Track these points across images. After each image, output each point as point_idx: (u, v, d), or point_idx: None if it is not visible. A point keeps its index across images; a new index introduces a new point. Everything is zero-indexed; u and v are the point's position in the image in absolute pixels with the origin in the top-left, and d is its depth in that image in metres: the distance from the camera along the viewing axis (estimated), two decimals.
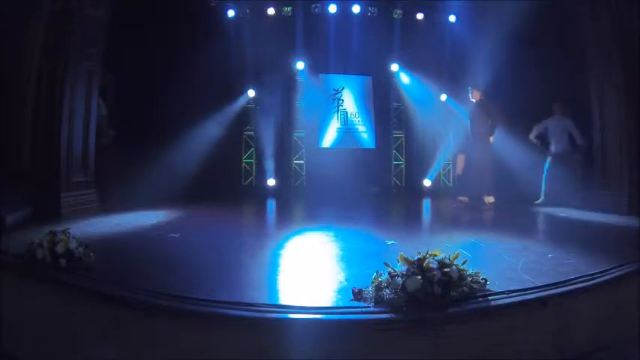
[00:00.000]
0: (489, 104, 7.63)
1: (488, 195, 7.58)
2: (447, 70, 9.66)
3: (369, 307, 2.86)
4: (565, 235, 5.34)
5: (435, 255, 3.00)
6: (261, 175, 9.93)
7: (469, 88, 7.70)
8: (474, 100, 7.64)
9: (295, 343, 2.70)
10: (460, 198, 7.70)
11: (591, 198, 7.37)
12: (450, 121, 9.36)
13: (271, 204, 8.86)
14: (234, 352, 2.72)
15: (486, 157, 7.55)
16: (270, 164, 9.79)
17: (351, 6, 9.57)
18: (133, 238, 5.14)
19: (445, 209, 7.58)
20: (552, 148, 7.66)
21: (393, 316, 2.77)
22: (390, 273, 2.96)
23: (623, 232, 5.45)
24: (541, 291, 3.14)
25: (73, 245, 3.47)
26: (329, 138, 10.42)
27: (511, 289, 3.11)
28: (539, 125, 7.77)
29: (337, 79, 10.46)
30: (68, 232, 3.55)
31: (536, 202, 7.64)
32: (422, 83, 9.82)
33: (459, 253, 3.10)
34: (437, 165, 9.97)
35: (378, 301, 2.87)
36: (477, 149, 7.58)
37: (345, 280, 3.43)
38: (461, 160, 8.25)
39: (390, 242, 4.79)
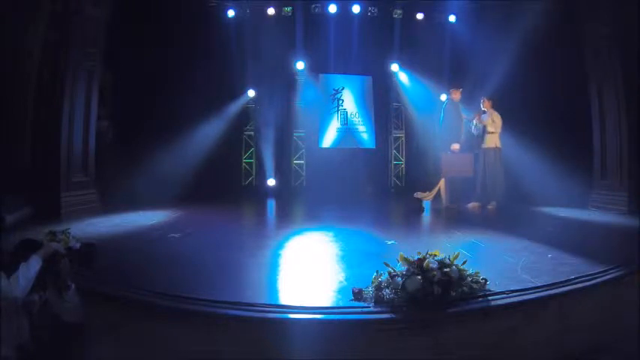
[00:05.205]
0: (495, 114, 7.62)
1: (493, 203, 7.54)
2: (447, 70, 9.64)
3: (369, 307, 2.86)
4: (565, 235, 5.34)
5: (435, 255, 3.01)
6: (261, 175, 9.92)
7: (482, 98, 7.66)
8: (485, 109, 7.60)
9: (295, 343, 2.70)
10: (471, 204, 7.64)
11: (591, 198, 7.38)
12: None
13: (271, 204, 8.86)
14: (235, 351, 2.72)
15: (500, 167, 7.56)
16: (270, 164, 9.79)
17: (351, 6, 9.55)
18: (133, 238, 5.15)
19: (445, 210, 7.56)
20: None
21: (393, 316, 2.77)
22: (390, 273, 2.96)
23: (623, 232, 5.46)
24: (541, 291, 3.15)
25: (73, 245, 3.46)
26: (329, 138, 10.41)
27: (511, 289, 3.12)
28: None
29: (337, 79, 10.45)
30: (68, 232, 3.54)
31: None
32: (422, 83, 9.81)
33: (459, 253, 3.10)
34: None
35: (378, 301, 2.88)
36: (493, 158, 7.57)
37: (345, 280, 3.43)
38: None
39: (390, 242, 4.79)
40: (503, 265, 3.85)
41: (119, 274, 3.47)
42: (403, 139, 10.73)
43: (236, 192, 9.60)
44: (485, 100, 7.59)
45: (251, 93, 9.82)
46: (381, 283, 2.95)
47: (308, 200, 9.16)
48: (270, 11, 9.42)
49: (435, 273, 2.86)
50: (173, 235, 5.15)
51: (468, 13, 9.30)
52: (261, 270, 3.87)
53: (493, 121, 7.57)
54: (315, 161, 10.20)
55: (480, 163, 7.63)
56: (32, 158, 6.11)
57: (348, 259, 4.14)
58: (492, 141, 7.58)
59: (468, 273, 3.06)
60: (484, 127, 7.59)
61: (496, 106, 7.68)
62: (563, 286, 3.24)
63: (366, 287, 3.00)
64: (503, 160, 7.67)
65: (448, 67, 9.61)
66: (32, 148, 6.12)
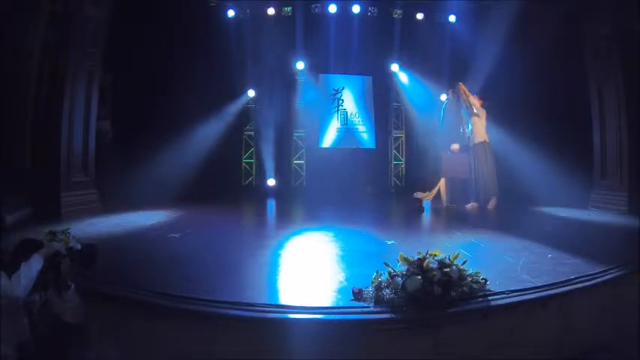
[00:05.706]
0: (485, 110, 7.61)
1: (492, 199, 7.52)
2: (447, 70, 9.64)
3: (369, 307, 2.86)
4: (565, 235, 5.34)
5: (435, 255, 3.01)
6: (261, 175, 9.93)
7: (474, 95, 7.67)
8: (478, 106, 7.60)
9: (295, 343, 2.70)
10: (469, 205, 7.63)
11: (591, 198, 7.38)
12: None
13: (271, 204, 8.86)
14: (234, 351, 2.72)
15: (491, 161, 7.55)
16: (270, 164, 9.79)
17: (351, 6, 9.55)
18: (133, 238, 5.15)
19: (445, 210, 7.57)
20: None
21: (393, 316, 2.77)
22: (390, 273, 2.96)
23: (623, 232, 5.46)
24: (541, 291, 3.15)
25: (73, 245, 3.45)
26: (329, 138, 10.42)
27: (511, 289, 3.12)
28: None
29: (337, 79, 10.46)
30: (68, 232, 3.53)
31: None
32: (422, 83, 9.82)
33: (459, 253, 3.10)
34: None
35: (378, 301, 2.88)
36: (482, 153, 7.56)
37: (345, 280, 3.43)
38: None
39: (390, 242, 4.79)
40: (503, 265, 3.85)
41: (119, 274, 3.46)
42: (403, 139, 10.73)
43: (236, 192, 9.60)
44: (477, 98, 7.58)
45: (251, 93, 9.83)
46: (381, 283, 2.95)
47: (308, 200, 9.16)
48: (270, 11, 9.42)
49: (435, 273, 2.86)
50: (173, 235, 5.15)
51: (467, 13, 9.29)
52: (261, 270, 3.86)
53: (478, 117, 7.54)
54: (315, 161, 10.21)
55: (472, 160, 7.61)
56: (32, 158, 6.11)
57: (348, 259, 4.14)
58: (480, 135, 7.55)
59: (468, 273, 3.06)
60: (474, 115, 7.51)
61: (495, 106, 7.68)
62: (563, 286, 3.24)
63: (366, 287, 3.00)
64: (494, 154, 7.61)
65: (448, 67, 9.61)
66: (32, 148, 6.12)
